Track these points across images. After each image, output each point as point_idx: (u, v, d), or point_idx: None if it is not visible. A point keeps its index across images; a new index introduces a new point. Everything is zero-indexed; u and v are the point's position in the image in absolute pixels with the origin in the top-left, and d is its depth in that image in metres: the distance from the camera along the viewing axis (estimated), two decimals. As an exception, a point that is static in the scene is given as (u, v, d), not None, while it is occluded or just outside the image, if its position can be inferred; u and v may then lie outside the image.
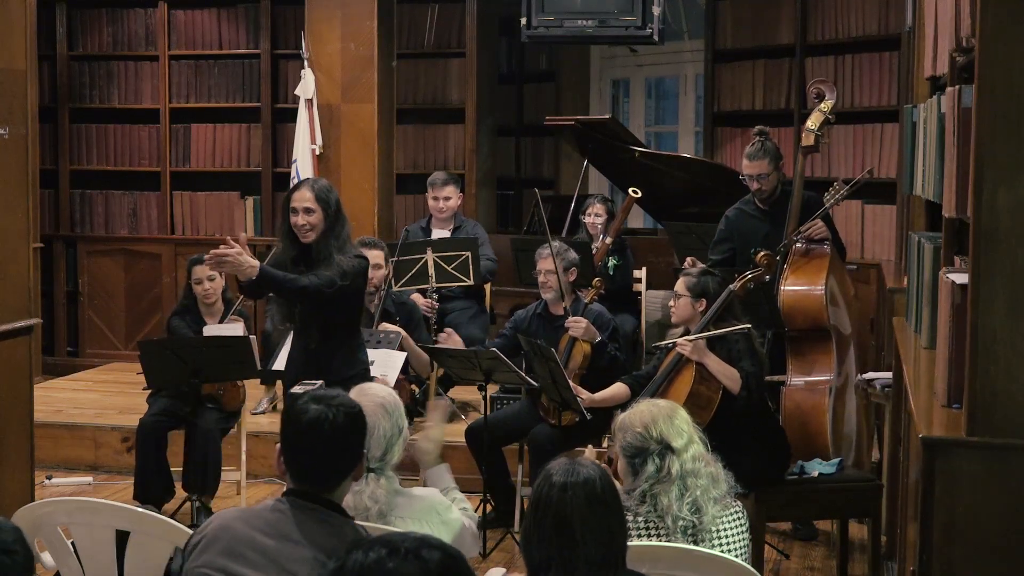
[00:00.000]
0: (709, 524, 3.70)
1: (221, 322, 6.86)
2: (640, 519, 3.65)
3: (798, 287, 6.10)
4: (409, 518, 3.68)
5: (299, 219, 5.27)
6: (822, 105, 6.49)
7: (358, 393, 3.77)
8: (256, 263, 5.11)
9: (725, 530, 3.74)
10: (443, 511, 3.78)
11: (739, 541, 3.76)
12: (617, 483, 3.59)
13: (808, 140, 6.48)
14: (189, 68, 10.18)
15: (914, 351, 4.41)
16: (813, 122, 6.48)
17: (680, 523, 3.66)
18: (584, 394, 6.02)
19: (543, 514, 2.82)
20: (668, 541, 3.63)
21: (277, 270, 5.21)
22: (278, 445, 3.18)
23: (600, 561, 2.80)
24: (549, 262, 6.47)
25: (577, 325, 6.42)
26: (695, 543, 3.67)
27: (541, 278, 6.55)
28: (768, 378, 6.37)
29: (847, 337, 6.33)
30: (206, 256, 5.21)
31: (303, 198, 5.29)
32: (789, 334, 6.12)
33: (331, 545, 3.00)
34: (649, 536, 3.64)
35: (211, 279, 6.83)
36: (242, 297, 6.84)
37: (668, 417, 3.79)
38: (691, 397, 5.27)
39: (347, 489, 3.21)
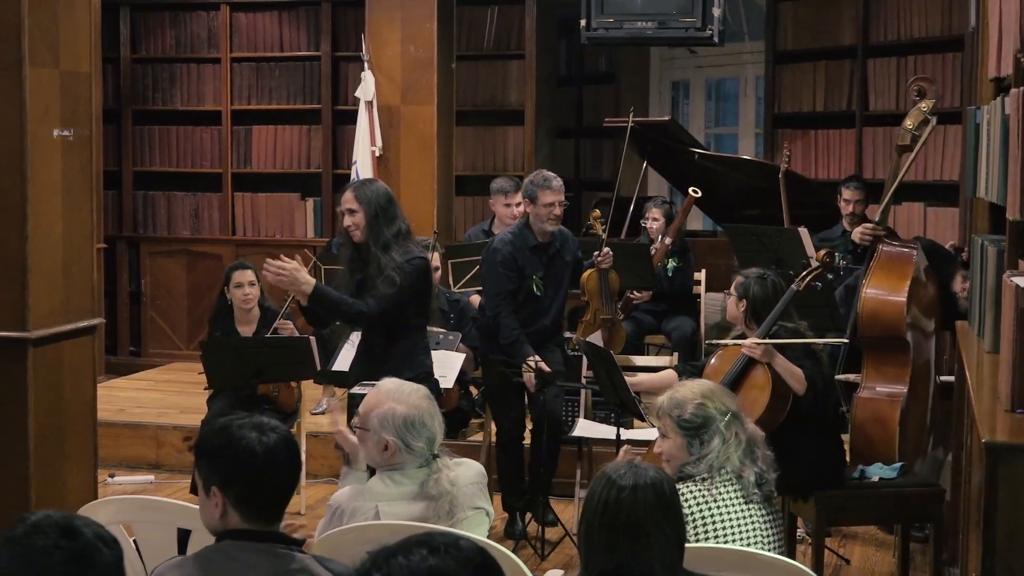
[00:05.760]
0: (773, 486, 3.92)
1: (259, 332, 6.79)
2: (720, 486, 3.77)
3: (879, 293, 5.98)
4: (470, 483, 3.88)
5: (345, 220, 5.38)
6: (922, 104, 6.32)
7: (395, 399, 3.82)
8: (312, 280, 5.21)
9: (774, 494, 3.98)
10: (479, 468, 4.01)
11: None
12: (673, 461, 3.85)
13: (904, 139, 6.34)
14: (251, 70, 10.25)
15: (977, 355, 4.37)
16: (911, 120, 6.31)
17: (756, 486, 3.85)
18: (632, 378, 5.99)
19: (612, 518, 2.77)
20: (747, 503, 3.80)
21: (332, 290, 5.29)
22: (213, 488, 2.93)
23: (671, 563, 2.80)
24: (561, 194, 6.41)
25: (608, 257, 6.82)
26: (767, 501, 3.88)
27: (557, 210, 6.39)
28: (842, 376, 6.32)
29: (930, 333, 6.23)
30: (265, 264, 5.24)
31: (345, 199, 5.39)
32: (866, 340, 6.02)
33: None
34: (732, 502, 3.78)
35: (252, 284, 6.81)
36: (289, 300, 6.89)
37: (719, 388, 4.05)
38: (772, 400, 5.22)
39: None
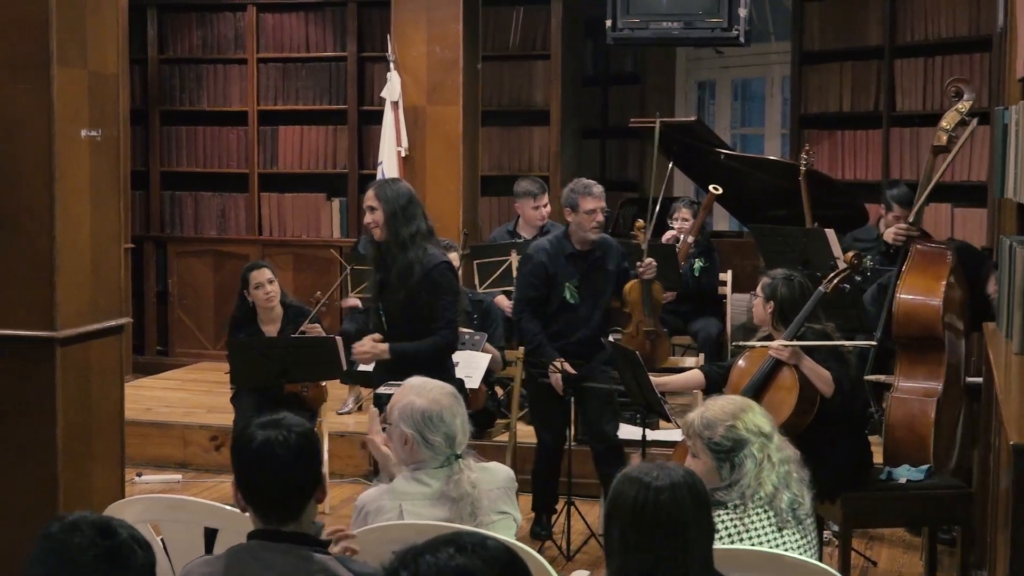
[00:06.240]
0: (809, 507, 3.76)
1: (284, 331, 6.80)
2: (753, 514, 3.65)
3: (915, 296, 5.94)
4: (496, 488, 3.87)
5: (366, 217, 5.48)
6: (959, 104, 6.27)
7: (416, 392, 3.83)
8: (386, 346, 5.44)
9: (811, 515, 3.81)
10: (508, 473, 4.00)
11: (814, 522, 3.85)
12: None
13: (940, 140, 6.30)
14: (277, 71, 10.28)
15: (1005, 356, 4.35)
16: (948, 121, 6.26)
17: (790, 511, 3.70)
18: (658, 378, 5.96)
19: (652, 519, 2.72)
20: (781, 531, 3.66)
21: (407, 344, 5.43)
22: (232, 479, 3.02)
23: (706, 560, 2.78)
24: (603, 200, 6.29)
25: (651, 267, 6.71)
26: (800, 524, 3.73)
27: (599, 216, 6.25)
28: (873, 377, 6.29)
29: (960, 333, 6.20)
30: (355, 355, 5.57)
31: (367, 197, 5.49)
32: (901, 340, 5.99)
33: None
34: (764, 532, 3.65)
35: (271, 281, 6.81)
36: (321, 300, 6.92)
37: (750, 407, 3.84)
38: (800, 402, 5.20)
39: (312, 513, 3.04)
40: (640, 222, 6.99)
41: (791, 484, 3.74)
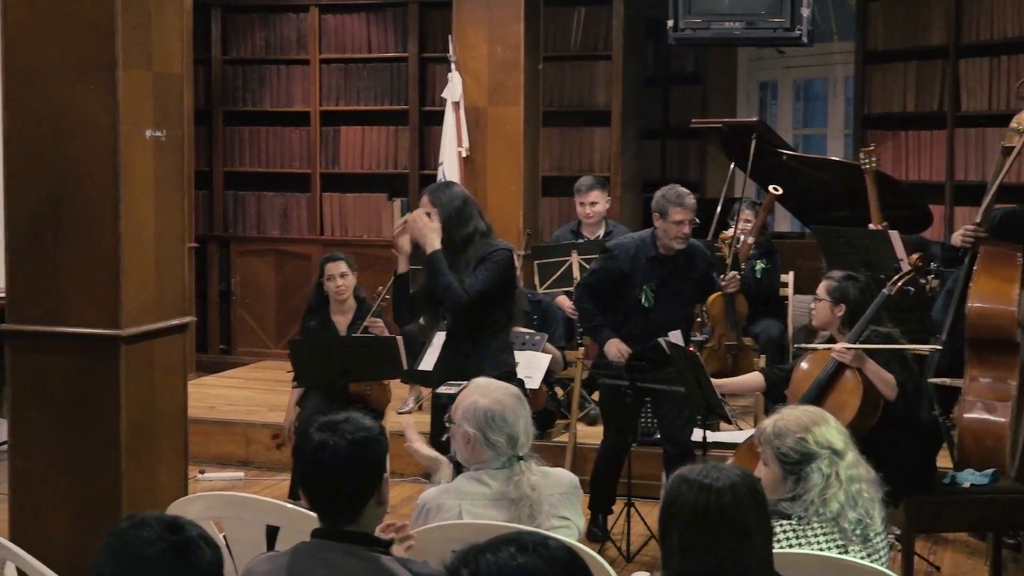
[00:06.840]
0: (879, 526, 3.65)
1: (354, 323, 6.81)
2: (818, 527, 3.57)
3: (988, 294, 5.85)
4: (558, 493, 3.87)
5: None
6: None
7: (481, 392, 3.84)
8: (438, 245, 5.29)
9: (882, 533, 3.69)
10: (572, 479, 3.99)
11: (885, 540, 3.73)
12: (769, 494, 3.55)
13: (1011, 141, 6.21)
14: (339, 71, 10.33)
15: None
16: (1018, 121, 6.20)
17: (857, 529, 3.58)
18: (718, 380, 5.90)
19: (715, 521, 2.70)
20: (845, 549, 3.55)
21: (445, 265, 5.29)
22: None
23: (767, 561, 2.77)
24: (692, 213, 6.15)
25: (734, 281, 6.61)
26: (866, 541, 3.60)
27: (686, 228, 6.13)
28: (938, 380, 6.22)
29: None
30: (398, 224, 5.51)
31: (421, 203, 5.47)
32: (973, 342, 5.90)
33: None
34: (827, 550, 3.56)
35: (343, 275, 6.83)
36: (382, 294, 6.92)
37: (824, 420, 3.71)
38: (863, 405, 5.15)
39: (374, 515, 3.06)
40: (725, 233, 6.91)
41: (859, 503, 3.61)
